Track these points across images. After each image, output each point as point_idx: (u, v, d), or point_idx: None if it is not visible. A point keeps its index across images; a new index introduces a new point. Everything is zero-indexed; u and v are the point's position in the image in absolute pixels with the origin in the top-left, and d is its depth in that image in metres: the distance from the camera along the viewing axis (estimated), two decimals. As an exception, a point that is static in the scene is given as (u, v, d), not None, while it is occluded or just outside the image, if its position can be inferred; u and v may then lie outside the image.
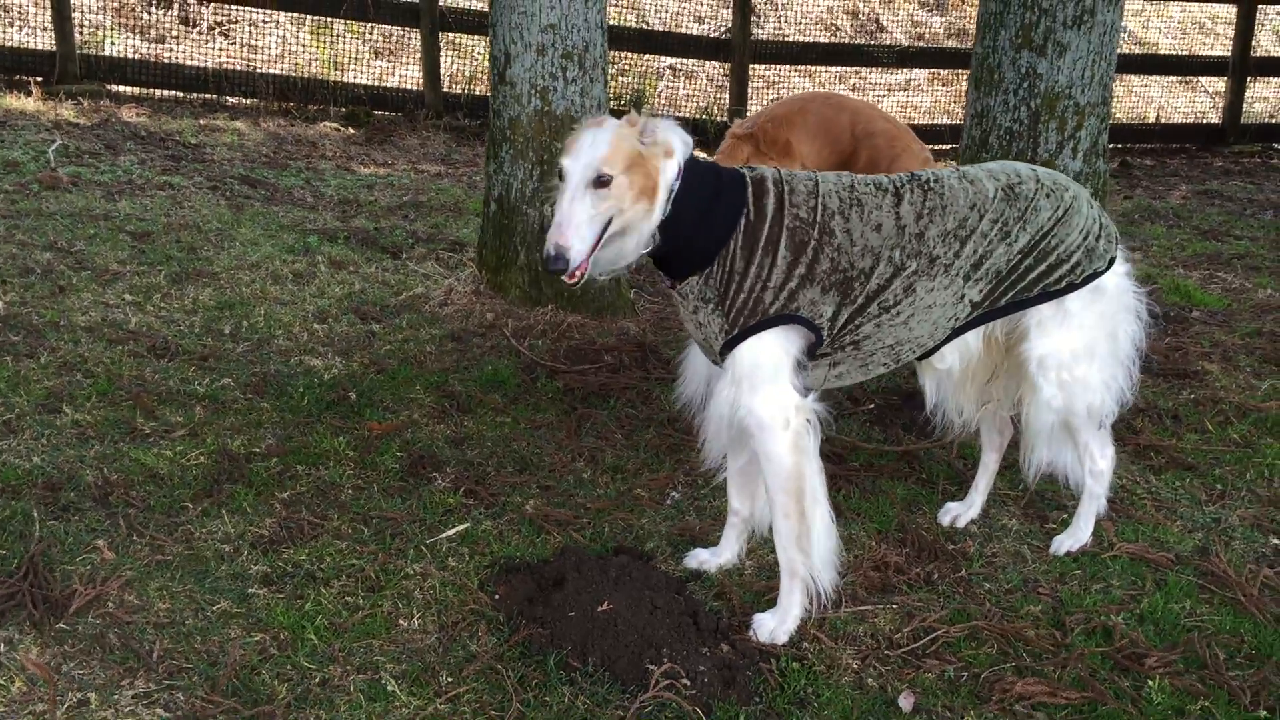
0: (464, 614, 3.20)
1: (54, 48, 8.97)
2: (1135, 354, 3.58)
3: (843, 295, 3.15)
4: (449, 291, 5.56)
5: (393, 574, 3.36)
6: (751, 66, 10.98)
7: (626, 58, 11.03)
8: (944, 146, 10.74)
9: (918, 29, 13.75)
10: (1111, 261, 3.43)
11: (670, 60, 11.67)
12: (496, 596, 3.27)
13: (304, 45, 10.63)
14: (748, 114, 9.26)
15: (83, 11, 9.53)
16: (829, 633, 3.27)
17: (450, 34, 10.26)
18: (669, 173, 3.05)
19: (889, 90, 12.67)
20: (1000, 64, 5.63)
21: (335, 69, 10.47)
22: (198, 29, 10.53)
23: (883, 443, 4.43)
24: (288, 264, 5.86)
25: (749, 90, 10.88)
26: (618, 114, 5.50)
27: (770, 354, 3.09)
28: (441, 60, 10.13)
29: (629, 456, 4.16)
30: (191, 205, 6.67)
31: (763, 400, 3.08)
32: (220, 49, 10.32)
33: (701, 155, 3.24)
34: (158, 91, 9.42)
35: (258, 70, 9.91)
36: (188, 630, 3.05)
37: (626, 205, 3.00)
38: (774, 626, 3.19)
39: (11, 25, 9.61)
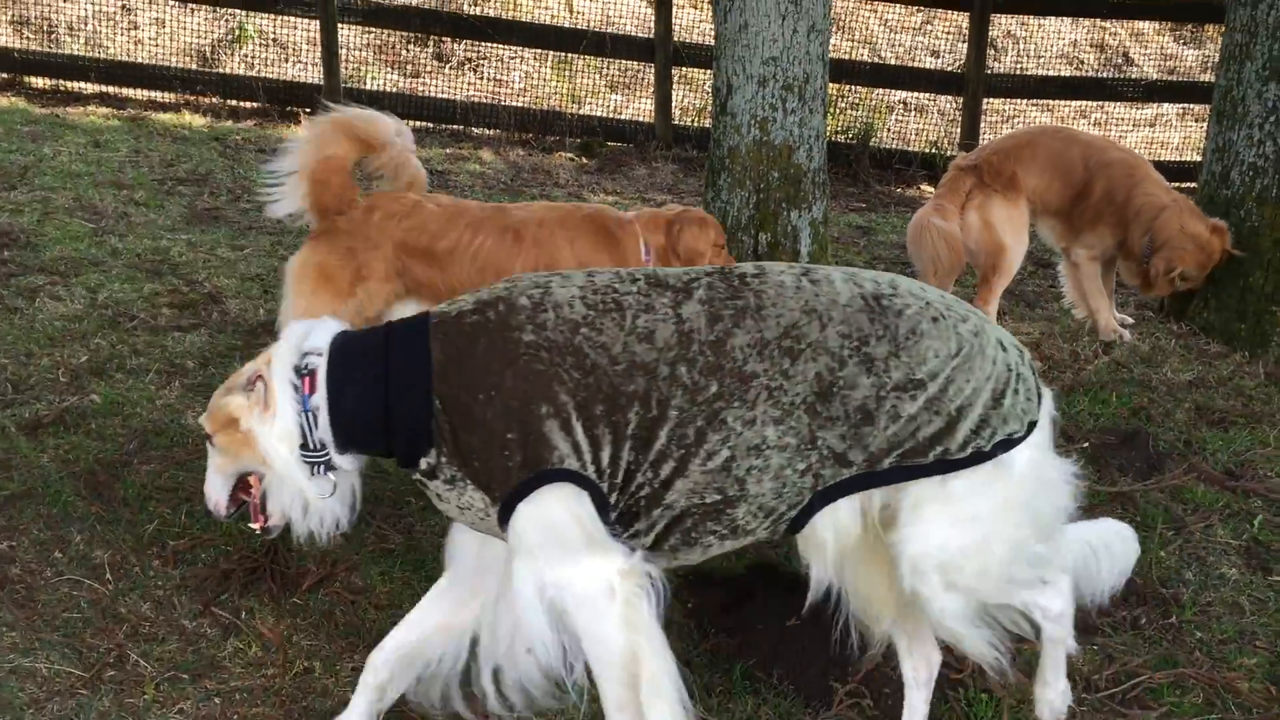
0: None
1: (321, 81, 9.77)
2: (1049, 532, 2.70)
3: (614, 432, 2.44)
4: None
5: (592, 576, 3.52)
6: (986, 101, 10.78)
7: (857, 91, 11.04)
8: (1192, 185, 10.22)
9: (1169, 62, 13.13)
10: (1032, 426, 2.55)
11: (902, 94, 11.60)
12: (689, 605, 3.38)
13: (545, 79, 11.15)
14: (978, 147, 9.11)
15: (349, 49, 10.34)
16: (1023, 668, 3.21)
17: (682, 68, 10.55)
18: (280, 400, 2.59)
19: (1135, 125, 12.15)
20: (1245, 96, 5.39)
21: (573, 102, 10.94)
22: (449, 64, 11.22)
23: (1095, 482, 4.29)
24: (516, 284, 6.18)
25: (982, 125, 10.68)
26: (833, 147, 5.49)
27: (561, 512, 2.45)
28: (673, 94, 10.42)
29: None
30: (433, 227, 7.12)
31: (577, 569, 2.45)
32: (469, 83, 10.97)
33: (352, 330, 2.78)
34: (411, 122, 10.01)
35: (502, 103, 10.47)
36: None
37: (242, 462, 2.70)
38: None
39: (286, 61, 10.52)
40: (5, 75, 9.24)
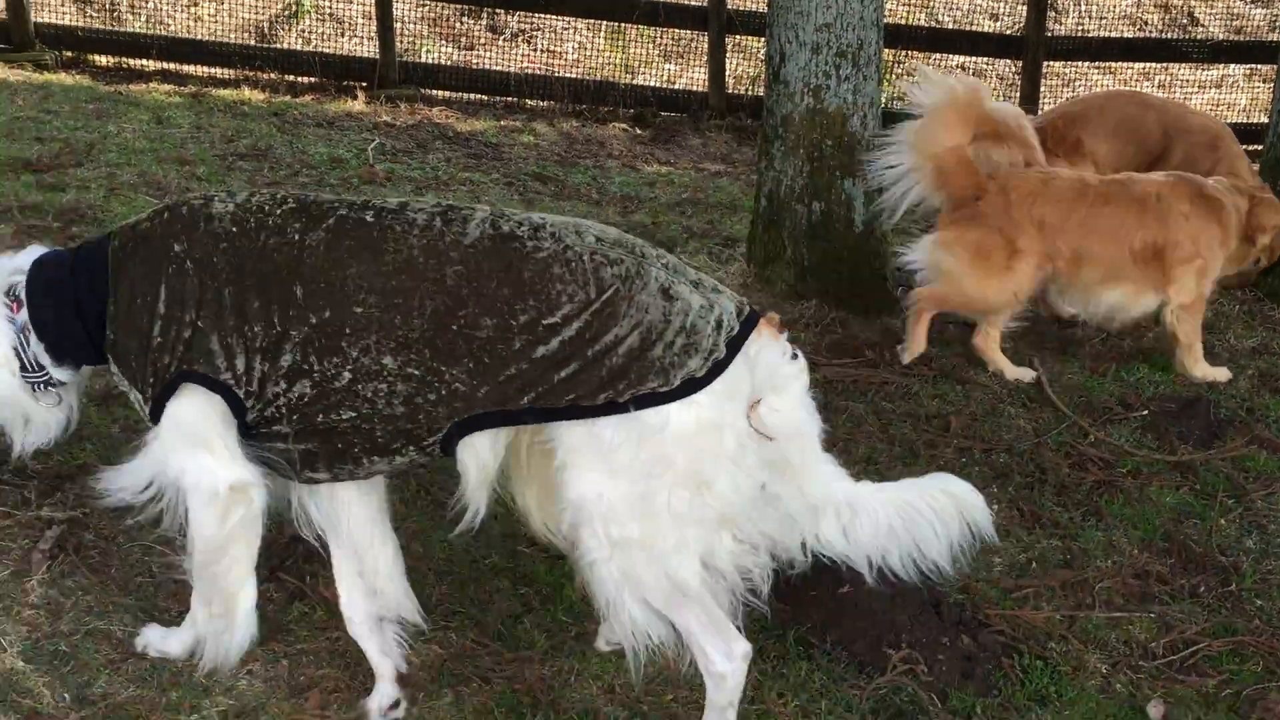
0: (711, 585, 3.36)
1: (377, 55, 9.84)
2: (745, 504, 2.57)
3: (247, 342, 2.58)
4: (719, 284, 5.75)
5: (647, 544, 3.56)
6: (1047, 64, 10.59)
7: (913, 57, 10.90)
8: (1259, 147, 9.99)
9: (1236, 22, 12.80)
10: (690, 385, 2.43)
11: (960, 58, 11.41)
12: (743, 572, 3.41)
13: (599, 50, 11.14)
14: (1038, 113, 8.96)
15: (403, 23, 10.39)
16: (1079, 635, 3.21)
17: (736, 36, 10.48)
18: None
19: (1200, 87, 11.88)
20: (1313, 55, 5.24)
21: (626, 72, 10.92)
22: (503, 36, 11.24)
23: (1154, 450, 4.26)
24: (571, 255, 6.22)
25: (1042, 88, 10.50)
26: (888, 114, 5.50)
27: (193, 410, 2.63)
28: (727, 62, 10.36)
29: (883, 449, 4.20)
30: (488, 199, 7.18)
31: (195, 462, 2.65)
32: (523, 55, 10.98)
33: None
34: (465, 95, 10.13)
35: (555, 74, 10.48)
36: (463, 579, 3.37)
37: None
38: (156, 640, 2.99)
39: (343, 35, 10.61)
40: (69, 53, 9.40)
